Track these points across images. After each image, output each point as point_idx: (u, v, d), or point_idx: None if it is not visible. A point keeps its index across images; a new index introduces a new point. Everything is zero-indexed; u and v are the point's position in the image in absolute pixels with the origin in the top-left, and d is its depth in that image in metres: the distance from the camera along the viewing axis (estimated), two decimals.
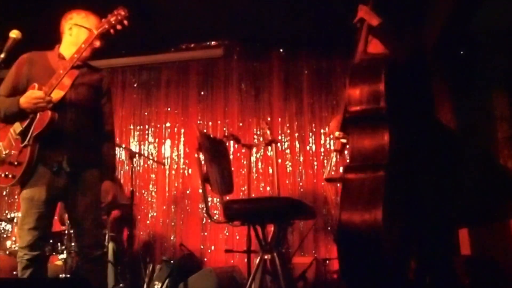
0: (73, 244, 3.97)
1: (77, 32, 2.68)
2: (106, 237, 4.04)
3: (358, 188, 2.01)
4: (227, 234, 5.08)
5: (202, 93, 5.53)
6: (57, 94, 2.52)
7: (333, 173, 2.49)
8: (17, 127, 2.53)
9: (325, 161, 5.10)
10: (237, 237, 5.01)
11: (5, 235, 4.25)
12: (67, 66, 2.51)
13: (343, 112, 2.50)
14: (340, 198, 2.04)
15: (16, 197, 5.53)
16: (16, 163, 2.49)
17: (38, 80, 2.52)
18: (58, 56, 2.67)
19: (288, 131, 5.25)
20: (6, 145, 2.55)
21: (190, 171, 5.34)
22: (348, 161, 2.16)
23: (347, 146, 2.44)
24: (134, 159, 4.65)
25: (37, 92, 2.47)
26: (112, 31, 2.59)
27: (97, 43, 2.66)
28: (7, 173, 2.50)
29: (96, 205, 2.63)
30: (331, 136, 2.65)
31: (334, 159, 2.50)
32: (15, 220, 4.09)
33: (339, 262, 2.18)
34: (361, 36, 2.50)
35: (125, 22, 2.57)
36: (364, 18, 2.47)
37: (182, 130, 5.49)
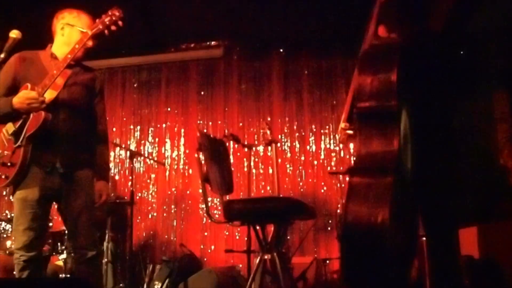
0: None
1: (69, 32, 2.66)
2: (106, 237, 4.04)
3: (365, 191, 1.95)
4: (227, 234, 5.08)
5: (202, 93, 5.53)
6: (50, 94, 2.50)
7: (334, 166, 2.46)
8: (10, 127, 2.52)
9: (325, 161, 5.11)
10: (237, 237, 5.01)
11: (5, 235, 4.24)
12: (61, 67, 2.49)
13: (349, 103, 2.42)
14: (346, 200, 1.99)
15: None
16: (9, 163, 2.48)
17: (31, 80, 2.50)
18: (51, 55, 2.65)
19: (288, 131, 5.25)
20: None
21: (190, 171, 5.34)
22: (353, 161, 2.09)
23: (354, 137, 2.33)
24: (134, 159, 4.65)
25: (30, 92, 2.44)
26: (106, 32, 2.56)
27: (90, 43, 2.63)
28: (0, 174, 2.50)
29: (90, 205, 2.61)
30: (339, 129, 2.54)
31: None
32: None
33: (341, 261, 2.15)
34: (372, 16, 2.29)
35: (120, 23, 2.53)
36: None
37: (182, 130, 5.49)
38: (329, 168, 5.05)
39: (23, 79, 2.54)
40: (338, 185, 4.93)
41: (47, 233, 3.64)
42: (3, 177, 2.50)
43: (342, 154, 5.09)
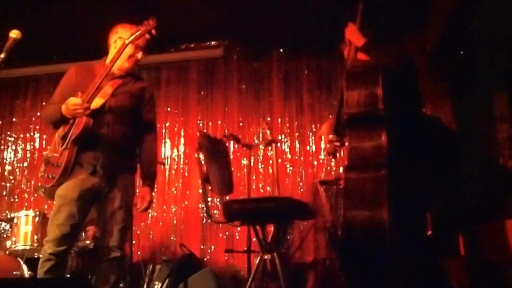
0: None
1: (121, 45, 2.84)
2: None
3: (361, 187, 2.02)
4: (227, 234, 5.08)
5: (202, 93, 5.53)
6: (97, 102, 2.71)
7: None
8: (61, 131, 2.73)
9: (325, 160, 5.10)
10: (237, 237, 5.01)
11: (5, 235, 4.24)
12: (102, 74, 2.68)
13: (336, 115, 2.55)
14: (344, 198, 2.05)
15: (16, 197, 5.53)
16: (56, 164, 2.67)
17: (83, 90, 2.68)
18: (103, 67, 2.82)
19: (288, 131, 5.25)
20: (52, 148, 2.79)
21: (190, 171, 5.34)
22: (346, 162, 2.18)
23: (343, 148, 2.46)
24: None
25: (75, 99, 2.64)
26: (141, 40, 2.81)
27: (139, 55, 2.90)
28: (49, 174, 2.70)
29: (125, 210, 2.76)
30: (322, 138, 2.74)
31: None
32: (15, 220, 4.09)
33: (342, 260, 2.18)
34: (351, 45, 2.59)
35: (153, 31, 2.77)
36: (350, 40, 2.57)
37: (182, 130, 5.49)
38: (328, 168, 5.04)
39: (77, 89, 2.72)
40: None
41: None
42: (50, 177, 2.69)
43: (342, 154, 5.07)
